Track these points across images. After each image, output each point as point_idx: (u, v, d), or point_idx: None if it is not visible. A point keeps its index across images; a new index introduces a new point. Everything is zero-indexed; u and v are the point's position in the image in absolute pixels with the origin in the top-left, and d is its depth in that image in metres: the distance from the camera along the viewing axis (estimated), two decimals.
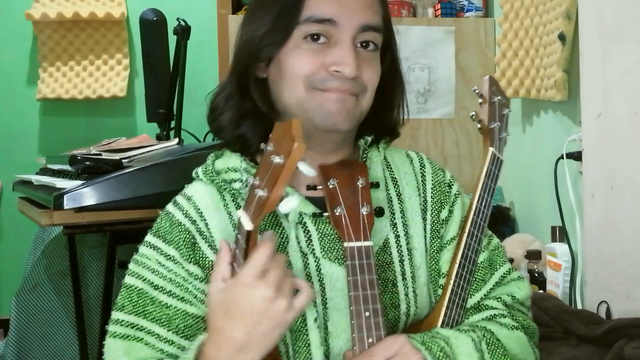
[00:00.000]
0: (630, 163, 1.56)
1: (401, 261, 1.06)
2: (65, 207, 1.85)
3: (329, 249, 1.02)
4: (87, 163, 2.05)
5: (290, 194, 0.85)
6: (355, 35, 0.99)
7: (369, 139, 1.10)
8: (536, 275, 1.93)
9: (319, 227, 1.03)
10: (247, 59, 1.02)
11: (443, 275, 1.09)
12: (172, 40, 2.61)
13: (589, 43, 1.70)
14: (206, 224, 1.02)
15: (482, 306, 1.09)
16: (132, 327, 1.00)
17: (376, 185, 1.03)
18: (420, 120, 2.51)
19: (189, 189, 1.07)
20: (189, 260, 1.01)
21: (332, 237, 1.02)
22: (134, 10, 3.29)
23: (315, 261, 1.02)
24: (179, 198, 1.07)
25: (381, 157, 1.11)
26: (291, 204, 0.84)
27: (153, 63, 2.70)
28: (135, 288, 1.02)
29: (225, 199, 1.04)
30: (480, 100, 1.18)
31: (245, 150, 1.05)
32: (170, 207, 1.06)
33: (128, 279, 1.04)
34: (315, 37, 0.99)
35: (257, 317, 0.86)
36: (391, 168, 1.12)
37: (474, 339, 1.00)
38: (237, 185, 1.03)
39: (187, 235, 1.02)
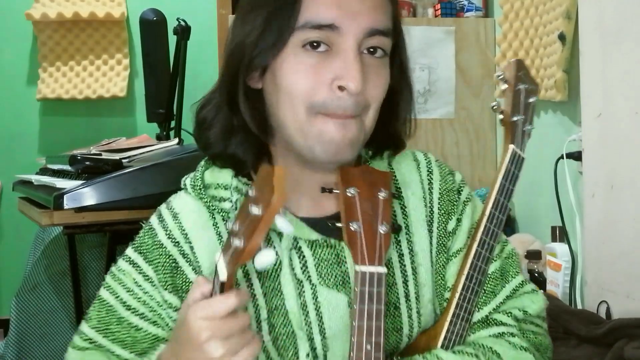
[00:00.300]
0: (630, 163, 1.56)
1: (405, 282, 0.97)
2: (65, 207, 1.85)
3: (327, 274, 0.94)
4: (87, 163, 2.05)
5: (267, 248, 0.76)
6: (360, 42, 0.88)
7: (370, 152, 1.02)
8: (536, 275, 1.93)
9: (316, 251, 0.94)
10: (238, 68, 0.91)
11: (448, 289, 1.00)
12: (172, 40, 2.61)
13: (589, 43, 1.70)
14: (191, 247, 0.95)
15: (491, 320, 1.01)
16: (91, 343, 0.98)
17: (398, 196, 0.95)
18: (420, 120, 2.50)
19: (176, 202, 0.99)
20: (166, 286, 0.95)
21: (330, 261, 0.94)
22: (134, 10, 3.29)
23: (311, 288, 0.93)
24: (164, 212, 0.99)
25: (384, 164, 1.02)
26: (266, 259, 0.77)
27: (153, 63, 2.70)
28: (106, 304, 0.98)
29: (214, 217, 0.96)
30: (504, 87, 1.06)
31: (238, 170, 0.96)
32: (154, 221, 0.99)
33: (102, 292, 0.99)
34: (314, 44, 0.87)
35: (191, 353, 0.80)
36: (396, 177, 1.02)
37: None
38: (226, 205, 0.95)
39: (168, 260, 0.95)
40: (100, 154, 2.12)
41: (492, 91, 2.45)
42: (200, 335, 0.78)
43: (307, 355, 0.92)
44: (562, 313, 1.60)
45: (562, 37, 1.92)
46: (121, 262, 1.00)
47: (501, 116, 1.06)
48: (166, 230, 0.97)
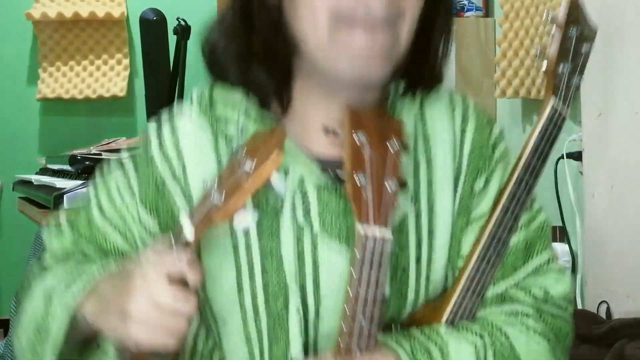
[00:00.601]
0: (631, 163, 1.56)
1: (418, 244, 0.86)
2: (65, 207, 1.85)
3: (331, 224, 0.83)
4: (87, 163, 2.05)
5: (248, 208, 0.68)
6: None
7: (402, 84, 0.86)
8: None
9: (322, 197, 0.83)
10: None
11: (462, 257, 0.89)
12: (172, 40, 2.61)
13: None
14: (184, 168, 0.85)
15: (506, 297, 0.89)
16: (56, 227, 0.93)
17: (406, 148, 0.81)
18: None
19: (179, 116, 0.88)
20: (145, 204, 0.86)
21: (337, 211, 0.83)
22: (134, 10, 3.29)
23: (311, 237, 0.83)
24: (164, 123, 0.89)
25: (416, 107, 0.88)
26: (246, 221, 0.70)
27: (153, 63, 2.70)
28: (86, 201, 0.91)
29: (217, 140, 0.85)
30: (553, 30, 0.90)
31: (260, 102, 0.84)
32: (152, 131, 0.89)
33: (89, 187, 0.92)
34: None
35: (119, 292, 0.74)
36: (426, 123, 0.88)
37: (478, 347, 0.83)
38: (231, 129, 0.84)
39: (155, 179, 0.86)
40: (100, 154, 2.13)
41: (492, 91, 2.45)
42: (135, 283, 0.72)
43: (298, 310, 0.84)
44: None
45: None
46: (113, 163, 0.92)
47: (544, 64, 0.90)
48: (161, 144, 0.87)
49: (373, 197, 0.77)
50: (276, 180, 0.68)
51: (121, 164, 0.90)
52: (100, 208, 0.90)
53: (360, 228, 0.76)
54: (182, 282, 0.72)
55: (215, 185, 0.70)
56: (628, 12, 1.56)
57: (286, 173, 0.83)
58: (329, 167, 0.84)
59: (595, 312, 1.63)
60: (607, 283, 1.63)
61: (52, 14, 3.31)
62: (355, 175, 0.76)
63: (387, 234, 0.77)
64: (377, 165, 0.77)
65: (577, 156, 1.81)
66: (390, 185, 0.77)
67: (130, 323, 0.72)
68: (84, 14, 3.32)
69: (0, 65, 3.46)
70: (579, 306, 1.80)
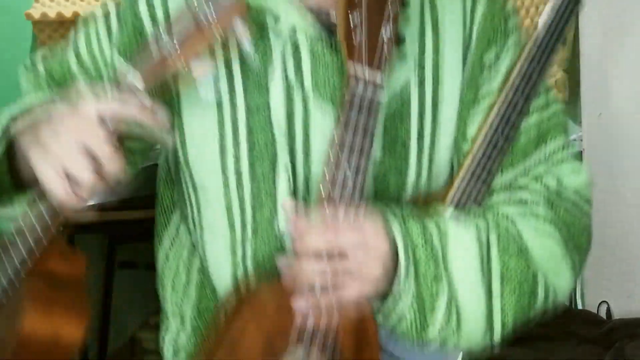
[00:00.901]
0: (631, 163, 1.56)
1: (420, 115, 0.80)
2: None
3: (324, 83, 0.76)
4: None
5: (204, 58, 0.65)
6: None
7: None
8: None
9: (315, 51, 0.76)
10: None
11: (468, 140, 0.82)
12: None
13: (589, 43, 1.70)
14: (166, 12, 0.80)
15: (516, 186, 0.82)
16: (32, 67, 0.93)
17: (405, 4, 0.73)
18: None
19: None
20: (120, 48, 0.83)
21: (331, 69, 0.76)
22: None
23: (302, 96, 0.77)
24: None
25: None
26: (203, 72, 0.67)
27: None
28: (66, 42, 0.91)
29: None
30: None
31: None
32: None
33: (73, 32, 0.91)
34: None
35: (50, 128, 0.70)
36: None
37: (480, 228, 0.76)
38: None
39: (135, 22, 0.82)
40: None
41: None
42: (64, 112, 0.68)
43: (286, 169, 0.78)
44: (562, 313, 1.60)
45: None
46: (98, 9, 0.89)
47: None
48: None
49: (366, 39, 0.70)
50: (240, 30, 0.64)
51: (106, 10, 0.87)
52: (77, 52, 0.88)
53: (351, 66, 0.70)
54: (115, 142, 0.67)
55: (166, 33, 0.67)
56: (628, 12, 1.56)
57: (277, 20, 0.76)
58: (324, 20, 0.77)
59: (595, 312, 1.63)
60: (607, 283, 1.63)
61: (52, 14, 3.30)
62: (350, 14, 0.69)
63: (378, 77, 0.70)
64: (374, 7, 0.70)
65: (577, 156, 1.81)
66: (386, 30, 0.70)
67: (40, 151, 0.67)
68: (84, 14, 3.32)
69: (0, 65, 3.46)
70: (579, 306, 1.80)
